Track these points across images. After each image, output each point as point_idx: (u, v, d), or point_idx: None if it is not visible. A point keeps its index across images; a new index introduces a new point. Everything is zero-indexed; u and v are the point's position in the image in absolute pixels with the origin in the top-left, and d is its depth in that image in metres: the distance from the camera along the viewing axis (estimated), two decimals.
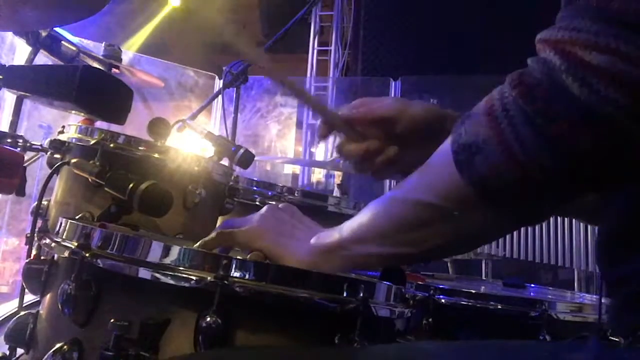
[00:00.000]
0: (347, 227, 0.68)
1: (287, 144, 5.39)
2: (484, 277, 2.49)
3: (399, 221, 0.64)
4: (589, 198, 0.74)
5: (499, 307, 1.12)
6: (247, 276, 0.57)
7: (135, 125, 1.40)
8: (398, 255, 0.65)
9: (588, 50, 0.48)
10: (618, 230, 0.65)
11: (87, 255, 0.61)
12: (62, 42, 1.57)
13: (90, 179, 1.09)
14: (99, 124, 1.46)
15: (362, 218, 0.67)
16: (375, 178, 0.86)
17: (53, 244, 0.69)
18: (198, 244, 0.72)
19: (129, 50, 5.04)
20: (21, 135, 1.24)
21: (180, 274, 0.57)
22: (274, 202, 1.54)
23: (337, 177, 2.95)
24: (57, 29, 1.55)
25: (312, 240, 0.69)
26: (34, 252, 1.05)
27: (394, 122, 0.81)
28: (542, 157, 0.51)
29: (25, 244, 1.12)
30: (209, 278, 0.55)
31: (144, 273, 0.58)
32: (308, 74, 5.19)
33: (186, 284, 0.56)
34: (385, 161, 0.82)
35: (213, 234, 0.73)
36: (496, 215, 0.57)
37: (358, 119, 0.82)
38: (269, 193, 1.56)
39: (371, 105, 0.84)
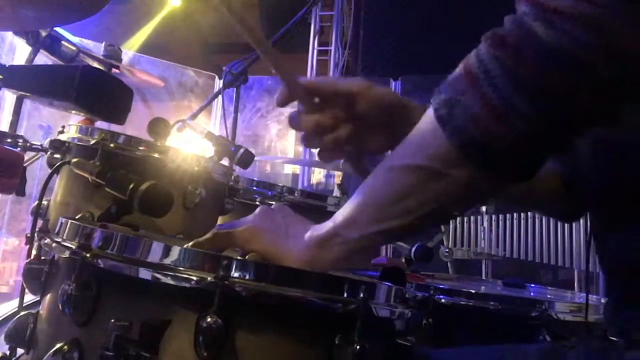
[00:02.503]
0: (339, 215, 0.67)
1: (287, 144, 5.40)
2: (484, 277, 2.49)
3: (390, 191, 0.63)
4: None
5: (499, 307, 1.12)
6: (247, 276, 0.57)
7: (135, 125, 1.40)
8: (392, 230, 0.64)
9: None
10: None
11: (88, 255, 0.61)
12: (62, 42, 1.57)
13: (90, 179, 1.09)
14: (99, 124, 1.46)
15: (352, 201, 0.67)
16: (320, 158, 0.85)
17: (53, 244, 0.69)
18: (191, 243, 0.72)
19: (129, 50, 5.04)
20: (21, 135, 1.25)
21: (180, 275, 0.57)
22: (273, 202, 1.54)
23: (337, 177, 2.95)
24: (57, 29, 1.55)
25: (307, 235, 0.69)
26: (34, 252, 1.05)
27: (356, 100, 0.81)
28: (516, 102, 0.52)
29: (25, 244, 1.12)
30: (209, 278, 0.55)
31: (144, 273, 0.58)
32: (308, 74, 5.18)
33: (186, 284, 0.56)
34: (334, 139, 0.81)
35: (208, 235, 0.73)
36: (481, 170, 0.57)
37: (321, 90, 0.81)
38: (269, 193, 1.56)
39: (336, 80, 0.84)
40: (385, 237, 0.67)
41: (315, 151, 0.86)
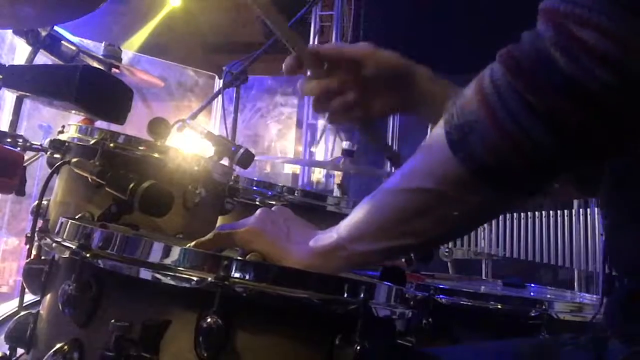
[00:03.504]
0: (344, 227, 0.67)
1: (287, 144, 5.40)
2: (484, 277, 2.49)
3: (398, 212, 0.63)
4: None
5: (499, 307, 1.12)
6: (247, 277, 0.57)
7: (135, 125, 1.40)
8: (397, 248, 0.65)
9: (580, 25, 0.48)
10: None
11: (88, 255, 0.61)
12: (62, 41, 1.57)
13: (90, 179, 1.09)
14: (99, 124, 1.46)
15: (357, 215, 0.66)
16: (330, 121, 0.87)
17: (53, 244, 0.69)
18: (192, 243, 0.72)
19: (129, 50, 5.04)
20: (21, 135, 1.24)
21: (180, 275, 0.57)
22: (273, 202, 1.54)
23: (337, 177, 2.95)
24: (57, 29, 1.55)
25: (311, 243, 0.69)
26: (34, 252, 1.05)
27: (363, 64, 0.82)
28: (533, 132, 0.51)
29: (25, 244, 1.12)
30: (209, 279, 0.55)
31: (144, 273, 0.58)
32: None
33: (187, 285, 0.56)
34: (342, 103, 0.83)
35: (210, 235, 0.73)
36: (494, 194, 0.57)
37: (328, 55, 0.83)
38: (269, 193, 1.56)
39: (343, 45, 0.84)
40: (389, 254, 0.68)
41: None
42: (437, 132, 0.59)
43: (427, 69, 0.86)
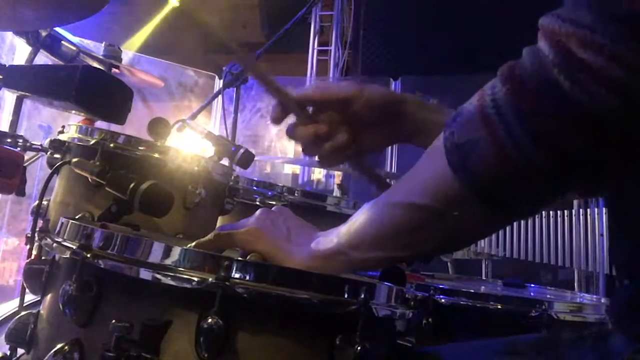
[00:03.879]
0: (344, 233, 0.68)
1: (287, 144, 5.39)
2: (484, 277, 2.49)
3: (395, 226, 0.64)
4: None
5: (499, 307, 1.12)
6: (248, 277, 0.57)
7: (135, 125, 1.40)
8: (396, 258, 0.66)
9: (583, 47, 0.46)
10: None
11: (88, 255, 0.61)
12: (62, 42, 1.57)
13: (90, 179, 1.09)
14: (99, 124, 1.46)
15: (357, 223, 0.67)
16: (321, 165, 0.86)
17: (54, 244, 0.69)
18: (193, 244, 0.72)
19: (129, 50, 5.04)
20: (21, 135, 1.24)
21: (181, 275, 0.57)
22: (274, 202, 1.54)
23: (337, 177, 2.95)
24: (57, 29, 1.55)
25: (312, 245, 0.69)
26: (34, 252, 1.05)
27: (351, 102, 0.81)
28: (534, 154, 0.50)
29: (25, 244, 1.12)
30: (210, 279, 0.55)
31: (145, 274, 0.58)
32: (308, 74, 5.18)
33: (187, 285, 0.56)
34: (333, 147, 0.82)
35: (210, 236, 0.73)
36: (492, 212, 0.57)
37: (314, 99, 0.82)
38: (269, 193, 1.56)
39: (328, 86, 0.84)
40: (387, 263, 0.69)
41: (316, 157, 0.86)
42: (435, 148, 0.59)
43: (416, 97, 0.85)
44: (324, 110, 0.82)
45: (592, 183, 0.55)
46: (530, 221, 2.46)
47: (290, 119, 0.83)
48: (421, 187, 0.61)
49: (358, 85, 0.82)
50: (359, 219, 0.67)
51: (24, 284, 0.77)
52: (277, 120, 0.82)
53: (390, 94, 0.83)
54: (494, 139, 0.52)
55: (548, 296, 1.46)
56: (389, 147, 4.37)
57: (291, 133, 0.83)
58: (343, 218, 0.70)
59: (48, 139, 1.22)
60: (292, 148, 5.37)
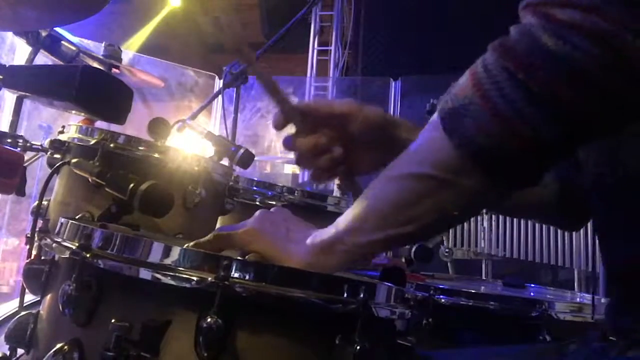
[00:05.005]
0: (342, 220, 0.67)
1: None
2: (484, 277, 2.49)
3: (395, 199, 0.63)
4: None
5: (499, 307, 1.12)
6: (247, 277, 0.57)
7: (135, 125, 1.40)
8: (396, 237, 0.65)
9: (565, 8, 0.50)
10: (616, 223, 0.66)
11: (88, 255, 0.61)
12: (62, 42, 1.57)
13: (90, 179, 1.09)
14: (99, 124, 1.46)
15: (356, 207, 0.67)
16: (313, 179, 0.87)
17: (53, 245, 0.69)
18: (192, 244, 0.72)
19: (129, 50, 5.04)
20: (21, 135, 1.25)
21: (180, 275, 0.57)
22: (273, 202, 1.54)
23: None
24: (57, 29, 1.55)
25: (308, 241, 0.69)
26: (34, 252, 1.05)
27: (349, 120, 0.83)
28: (526, 110, 0.52)
29: (25, 244, 1.12)
30: (209, 279, 0.55)
31: (144, 274, 0.58)
32: (308, 74, 5.19)
33: (187, 285, 0.56)
34: (328, 160, 0.83)
35: (209, 236, 0.73)
36: (490, 178, 0.57)
37: (315, 111, 0.84)
38: (269, 193, 1.56)
39: (330, 102, 0.87)
40: (388, 244, 0.68)
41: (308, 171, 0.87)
42: (432, 121, 0.60)
43: (410, 122, 0.87)
44: (322, 125, 0.84)
45: (585, 142, 0.56)
46: (530, 221, 2.46)
47: (290, 129, 0.84)
48: (420, 156, 0.62)
49: (357, 105, 0.84)
50: (358, 203, 0.67)
51: (24, 284, 0.77)
52: (279, 126, 0.84)
53: (385, 117, 0.85)
54: (486, 99, 0.53)
55: (548, 296, 1.46)
56: None
57: (289, 143, 0.84)
58: None
59: (48, 139, 1.22)
60: None
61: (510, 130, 0.53)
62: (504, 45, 0.54)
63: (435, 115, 0.59)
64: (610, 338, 0.68)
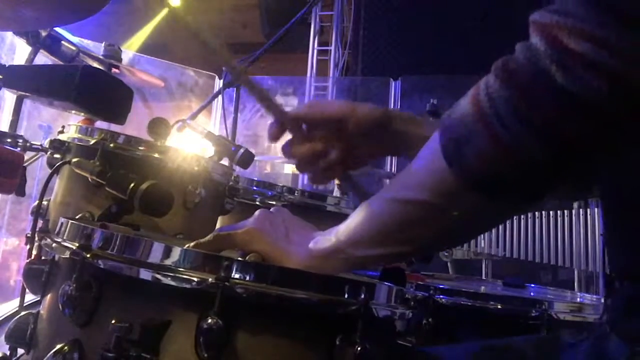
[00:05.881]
0: (343, 231, 0.68)
1: None
2: (484, 277, 2.49)
3: (392, 222, 0.64)
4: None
5: (499, 307, 1.12)
6: (248, 278, 0.57)
7: (135, 125, 1.40)
8: (395, 255, 0.66)
9: (573, 36, 0.47)
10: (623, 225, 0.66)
11: (88, 255, 0.61)
12: (62, 42, 1.57)
13: (90, 179, 1.09)
14: (99, 124, 1.46)
15: (355, 221, 0.67)
16: (312, 182, 0.88)
17: (54, 245, 0.69)
18: (192, 244, 0.72)
19: (129, 50, 5.04)
20: (21, 135, 1.24)
21: (181, 275, 0.57)
22: (273, 202, 1.54)
23: None
24: (57, 29, 1.55)
25: (310, 245, 0.69)
26: (34, 252, 1.05)
27: (344, 121, 0.83)
28: (528, 143, 0.51)
29: (25, 244, 1.12)
30: (210, 279, 0.55)
31: (144, 274, 0.58)
32: (308, 74, 5.18)
33: (187, 285, 0.56)
34: (326, 163, 0.84)
35: (209, 237, 0.73)
36: (489, 205, 0.57)
37: (310, 117, 0.84)
38: (269, 193, 1.56)
39: (322, 106, 0.87)
40: (385, 260, 0.69)
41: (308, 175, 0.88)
42: (431, 145, 0.60)
43: (405, 113, 0.87)
44: (318, 128, 0.84)
45: (589, 173, 0.55)
46: (530, 221, 2.46)
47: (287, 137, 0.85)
48: (418, 182, 0.62)
49: (350, 104, 0.84)
50: (357, 216, 0.67)
51: (24, 284, 0.77)
52: (274, 137, 0.85)
53: (379, 112, 0.85)
54: (488, 128, 0.53)
55: (548, 296, 1.46)
56: None
57: (287, 151, 0.85)
58: (343, 218, 0.70)
59: (48, 139, 1.22)
60: None
61: (512, 162, 0.52)
62: (507, 71, 0.52)
63: (434, 137, 0.59)
64: (614, 340, 0.68)
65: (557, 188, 0.57)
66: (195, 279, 0.56)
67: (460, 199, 0.58)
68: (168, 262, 0.58)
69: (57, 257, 0.72)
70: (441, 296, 1.11)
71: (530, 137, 0.51)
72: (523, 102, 0.50)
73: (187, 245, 0.73)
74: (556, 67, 0.48)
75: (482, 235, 2.49)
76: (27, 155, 1.25)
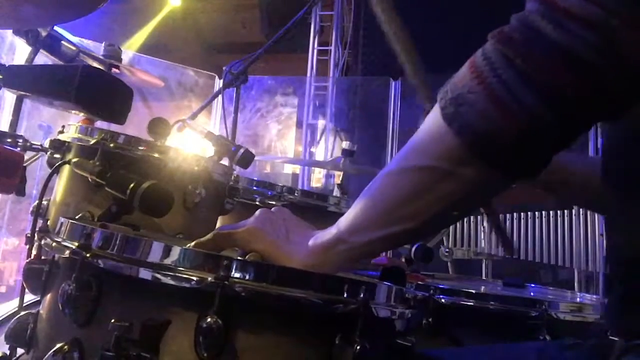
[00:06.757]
0: (343, 220, 0.68)
1: (287, 144, 5.40)
2: (484, 277, 2.49)
3: (398, 194, 0.63)
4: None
5: (499, 307, 1.12)
6: (247, 277, 0.57)
7: (135, 125, 1.40)
8: (398, 235, 0.65)
9: None
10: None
11: (88, 255, 0.61)
12: (62, 42, 1.57)
13: (90, 179, 1.09)
14: (99, 124, 1.46)
15: (357, 207, 0.67)
16: None
17: (53, 244, 0.69)
18: (193, 243, 0.72)
19: (129, 49, 5.05)
20: (21, 135, 1.24)
21: (180, 275, 0.57)
22: (273, 202, 1.54)
23: (337, 177, 2.95)
24: (57, 29, 1.55)
25: (310, 242, 0.69)
26: (34, 252, 1.05)
27: None
28: (525, 96, 0.52)
29: (25, 244, 1.12)
30: (209, 279, 0.55)
31: (144, 273, 0.58)
32: (308, 74, 5.18)
33: (187, 285, 0.56)
34: None
35: (210, 235, 0.73)
36: (490, 167, 0.57)
37: None
38: (269, 193, 1.56)
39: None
40: (389, 242, 0.68)
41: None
42: (432, 113, 0.60)
43: None
44: None
45: (584, 128, 0.55)
46: (530, 221, 2.46)
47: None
48: (422, 149, 0.62)
49: None
50: (358, 204, 0.67)
51: (24, 284, 0.77)
52: None
53: None
54: (485, 86, 0.54)
55: (548, 296, 1.46)
56: (390, 147, 4.37)
57: None
58: None
59: (48, 139, 1.22)
60: (292, 148, 5.38)
61: (509, 116, 0.53)
62: (503, 33, 0.55)
63: (435, 106, 0.60)
64: (612, 338, 0.68)
65: (554, 151, 0.57)
66: (195, 279, 0.56)
67: (463, 163, 0.58)
68: (168, 261, 0.58)
69: (56, 257, 0.72)
70: (441, 296, 1.11)
71: (525, 91, 0.52)
72: (518, 57, 0.52)
73: (188, 245, 0.73)
74: (548, 22, 0.51)
75: (482, 235, 2.49)
76: (27, 155, 1.24)
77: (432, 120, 0.60)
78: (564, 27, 0.50)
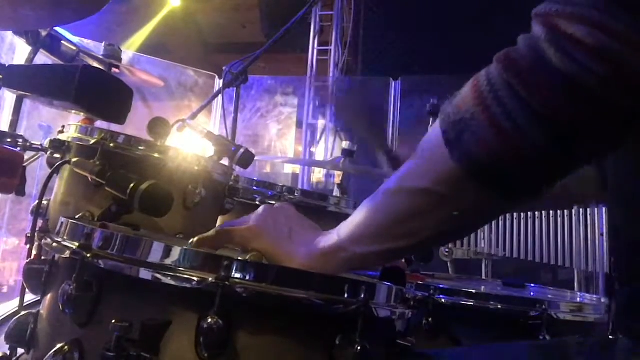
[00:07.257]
0: (345, 228, 0.68)
1: (287, 144, 5.40)
2: (484, 277, 2.49)
3: (395, 213, 0.64)
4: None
5: (499, 307, 1.12)
6: (248, 277, 0.57)
7: (135, 125, 1.40)
8: (396, 250, 0.65)
9: (573, 22, 0.49)
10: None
11: (88, 255, 0.61)
12: (62, 42, 1.57)
13: (90, 179, 1.09)
14: (99, 123, 1.46)
15: (358, 217, 0.67)
16: None
17: (54, 244, 0.69)
18: (195, 239, 0.72)
19: (129, 49, 5.04)
20: (21, 135, 1.24)
21: (181, 275, 0.57)
22: (273, 202, 1.54)
23: (337, 177, 2.95)
24: (57, 29, 1.55)
25: (311, 245, 0.69)
26: (34, 252, 1.05)
27: None
28: (528, 128, 0.51)
29: (25, 244, 1.12)
30: (210, 279, 0.55)
31: (145, 274, 0.58)
32: (308, 74, 5.18)
33: (187, 285, 0.56)
34: None
35: (211, 232, 0.73)
36: (490, 195, 0.57)
37: None
38: (269, 193, 1.56)
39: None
40: (385, 257, 0.68)
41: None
42: (433, 133, 0.60)
43: None
44: None
45: (588, 160, 0.55)
46: (530, 221, 2.46)
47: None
48: (420, 171, 0.62)
49: None
50: (359, 213, 0.67)
51: (24, 284, 0.77)
52: None
53: None
54: (488, 114, 0.53)
55: (548, 296, 1.46)
56: (390, 139, 4.37)
57: None
58: (343, 218, 0.70)
59: (48, 139, 1.22)
60: (292, 148, 5.38)
61: (511, 147, 0.52)
62: (508, 58, 0.53)
63: (436, 125, 0.59)
64: (611, 338, 0.68)
65: (556, 180, 0.57)
66: (196, 279, 0.56)
67: (462, 188, 0.57)
68: (168, 261, 0.58)
69: (57, 257, 0.72)
70: (441, 296, 1.11)
71: (529, 123, 0.51)
72: (523, 86, 0.51)
73: (191, 241, 0.73)
74: (555, 51, 0.49)
75: (482, 235, 2.49)
76: (27, 155, 1.24)
77: (433, 140, 0.59)
78: (570, 55, 0.48)
